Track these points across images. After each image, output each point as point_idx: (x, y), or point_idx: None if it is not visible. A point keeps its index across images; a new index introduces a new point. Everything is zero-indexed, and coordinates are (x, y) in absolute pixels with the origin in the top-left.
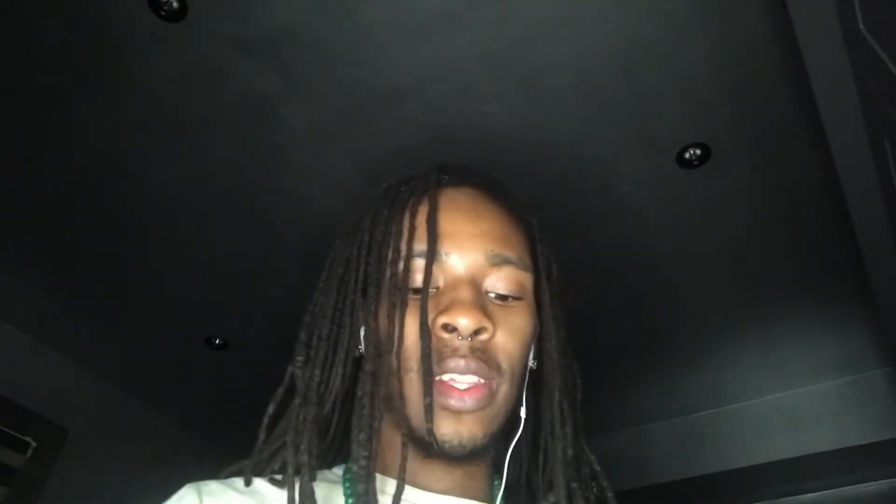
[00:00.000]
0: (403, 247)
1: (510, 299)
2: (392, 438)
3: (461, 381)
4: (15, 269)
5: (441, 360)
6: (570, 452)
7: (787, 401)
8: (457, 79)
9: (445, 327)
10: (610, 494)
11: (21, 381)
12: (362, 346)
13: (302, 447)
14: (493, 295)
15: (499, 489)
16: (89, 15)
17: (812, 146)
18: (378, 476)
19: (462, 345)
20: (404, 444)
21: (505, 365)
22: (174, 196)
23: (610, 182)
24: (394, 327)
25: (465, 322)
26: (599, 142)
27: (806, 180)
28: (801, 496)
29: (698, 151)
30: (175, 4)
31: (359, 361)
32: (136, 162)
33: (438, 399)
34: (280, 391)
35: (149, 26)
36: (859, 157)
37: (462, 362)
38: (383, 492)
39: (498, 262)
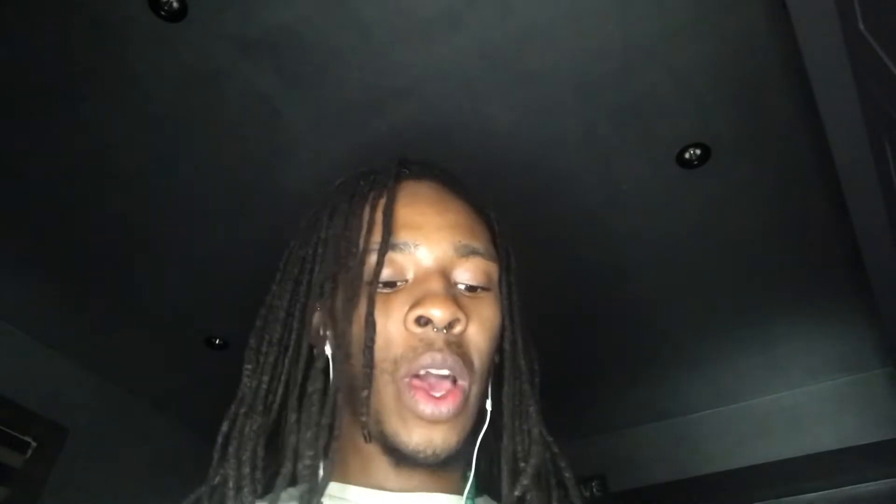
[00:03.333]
0: (369, 240)
1: (479, 290)
2: (357, 444)
3: (436, 374)
4: (15, 268)
5: (416, 356)
6: (535, 431)
7: (786, 401)
8: (457, 79)
9: (419, 320)
10: (568, 475)
11: (21, 381)
12: (328, 349)
13: (244, 458)
14: (462, 287)
15: (470, 481)
16: (89, 15)
17: (812, 146)
18: (338, 484)
19: (437, 338)
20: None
21: (477, 362)
22: (174, 195)
23: (610, 182)
24: (368, 325)
25: (439, 314)
26: (599, 142)
27: (806, 181)
28: (801, 496)
29: (698, 151)
30: (175, 4)
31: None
32: (136, 161)
33: (412, 406)
34: (234, 406)
35: (149, 26)
36: (859, 157)
37: (439, 356)
38: (344, 499)
39: (466, 252)
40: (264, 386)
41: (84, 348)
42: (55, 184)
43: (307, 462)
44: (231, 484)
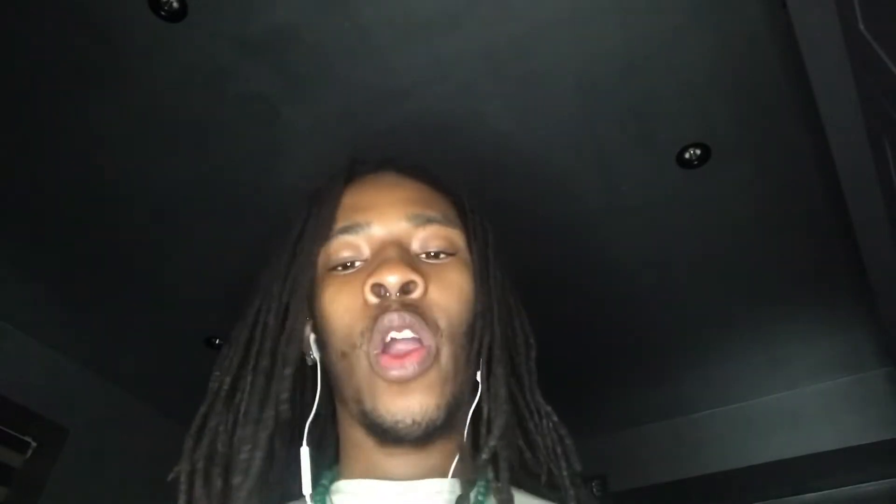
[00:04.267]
0: (322, 230)
1: (442, 255)
2: (350, 436)
3: (400, 338)
4: (15, 268)
5: (374, 322)
6: (503, 392)
7: (787, 401)
8: (457, 79)
9: (375, 289)
10: (569, 443)
11: (21, 381)
12: (313, 351)
13: (197, 455)
14: (423, 256)
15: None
16: (90, 15)
17: (812, 146)
18: (335, 482)
19: (392, 302)
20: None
21: (443, 323)
22: (174, 196)
23: (610, 182)
24: (326, 310)
25: (392, 278)
26: (599, 142)
27: (806, 180)
28: (801, 496)
29: (698, 151)
30: (175, 4)
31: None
32: (136, 161)
33: (381, 373)
34: (202, 409)
35: (149, 26)
36: (859, 157)
37: (395, 316)
38: (339, 492)
39: (421, 222)
40: (226, 387)
41: (84, 348)
42: (55, 184)
43: (244, 457)
44: (183, 478)
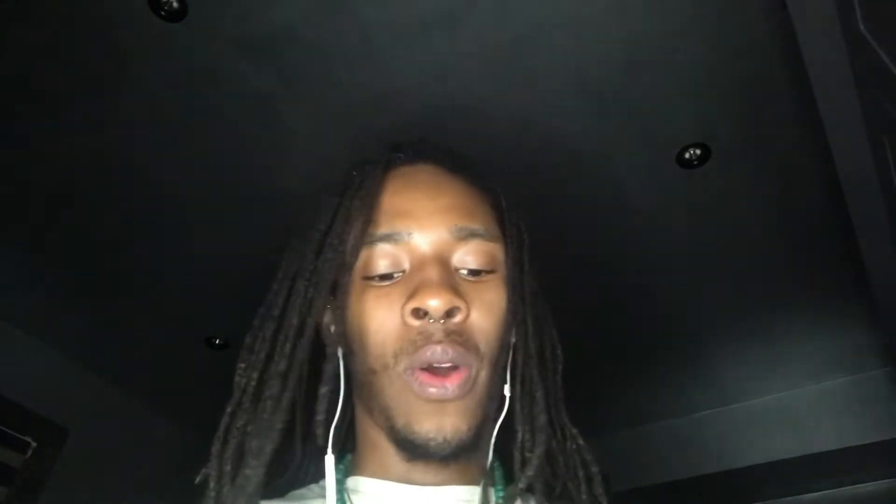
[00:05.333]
0: (362, 233)
1: (482, 273)
2: (370, 436)
3: (438, 366)
4: (15, 268)
5: (416, 349)
6: (542, 418)
7: (787, 401)
8: (457, 79)
9: (416, 312)
10: (595, 470)
11: (21, 381)
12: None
13: (226, 455)
14: (464, 272)
15: (497, 471)
16: (89, 15)
17: (812, 146)
18: (353, 478)
19: (436, 329)
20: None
21: (483, 346)
22: (174, 196)
23: (610, 182)
24: (361, 320)
25: (435, 303)
26: (599, 141)
27: (806, 180)
28: (801, 496)
29: (698, 151)
30: (175, 4)
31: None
32: (136, 162)
33: (419, 392)
34: (229, 408)
35: (149, 26)
36: (859, 157)
37: (438, 349)
38: (358, 491)
39: (464, 235)
40: (253, 383)
41: (84, 348)
42: (55, 184)
43: (247, 472)
44: (212, 484)
